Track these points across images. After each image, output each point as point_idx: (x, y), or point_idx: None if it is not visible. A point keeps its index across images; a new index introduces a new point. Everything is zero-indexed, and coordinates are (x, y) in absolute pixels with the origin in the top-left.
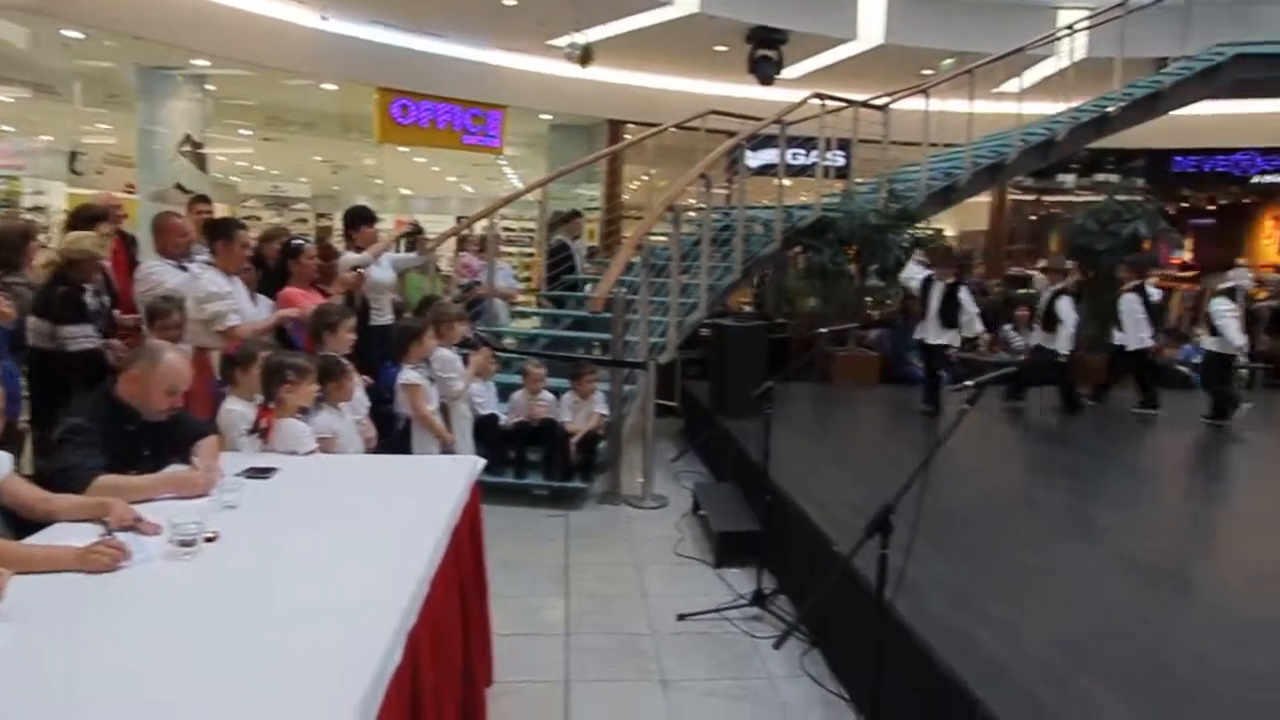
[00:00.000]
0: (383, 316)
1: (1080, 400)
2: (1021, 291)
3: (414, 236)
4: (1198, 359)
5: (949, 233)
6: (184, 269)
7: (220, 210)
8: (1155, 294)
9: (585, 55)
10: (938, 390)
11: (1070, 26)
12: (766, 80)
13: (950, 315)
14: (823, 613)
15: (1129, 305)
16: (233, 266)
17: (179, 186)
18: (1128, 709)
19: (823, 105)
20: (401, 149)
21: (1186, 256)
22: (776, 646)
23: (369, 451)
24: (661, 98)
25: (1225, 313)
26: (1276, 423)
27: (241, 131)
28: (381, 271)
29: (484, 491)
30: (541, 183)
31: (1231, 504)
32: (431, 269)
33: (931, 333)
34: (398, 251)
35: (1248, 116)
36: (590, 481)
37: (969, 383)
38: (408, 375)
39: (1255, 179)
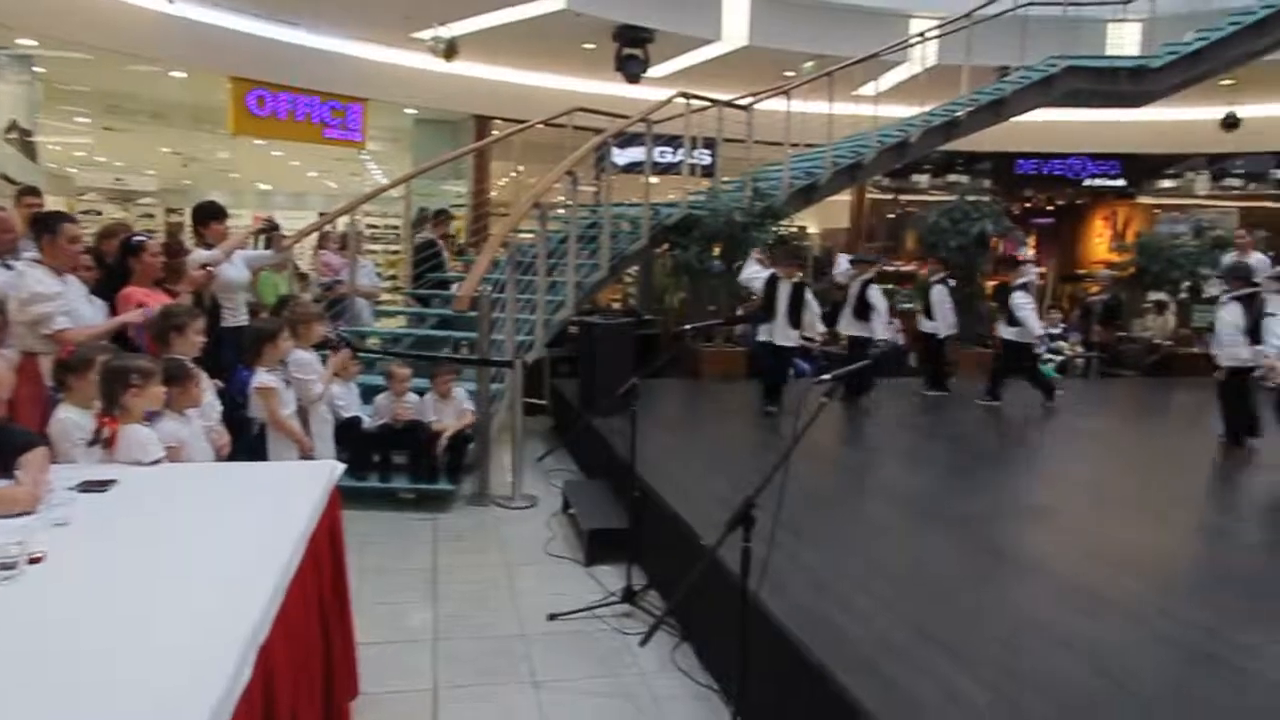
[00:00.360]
0: (236, 317)
1: (946, 382)
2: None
3: (269, 233)
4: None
5: (812, 230)
6: (8, 267)
7: (55, 203)
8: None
9: (450, 49)
10: (779, 390)
11: (922, 34)
12: (633, 79)
13: (797, 315)
14: (691, 607)
15: (939, 296)
16: (62, 264)
17: (4, 177)
18: (978, 686)
19: (688, 104)
20: (258, 142)
21: (1030, 253)
22: (642, 644)
23: (222, 459)
24: (529, 94)
25: (1024, 305)
26: (1110, 407)
27: (79, 119)
28: (234, 270)
29: (347, 497)
30: (406, 178)
31: (1071, 483)
32: (289, 267)
33: (779, 335)
34: (254, 249)
35: (1080, 124)
36: (458, 483)
37: (825, 376)
38: (261, 378)
39: (1087, 181)
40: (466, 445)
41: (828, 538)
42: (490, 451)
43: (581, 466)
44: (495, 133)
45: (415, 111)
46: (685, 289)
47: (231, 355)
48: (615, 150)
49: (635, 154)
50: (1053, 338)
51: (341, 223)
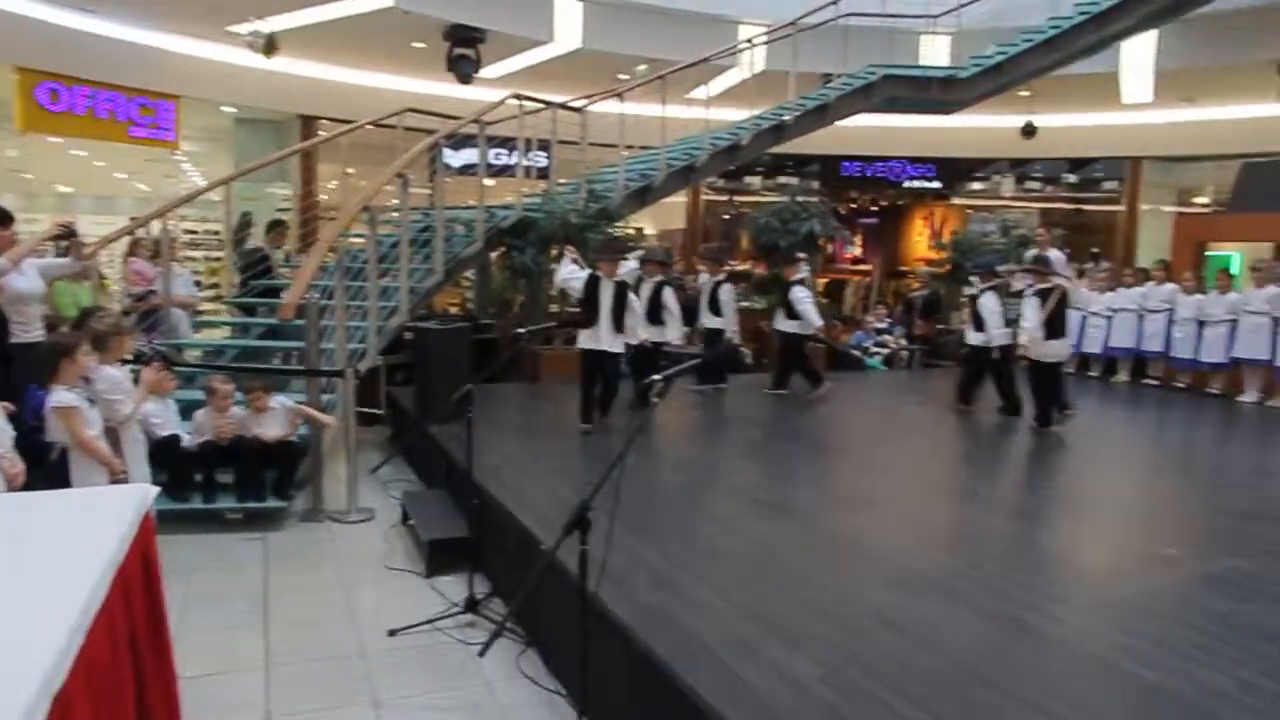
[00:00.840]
0: (28, 332)
1: (821, 375)
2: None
3: (67, 239)
4: (869, 343)
5: (649, 231)
6: None
7: None
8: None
9: (269, 45)
10: (607, 402)
11: (750, 41)
12: (465, 79)
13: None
14: (535, 612)
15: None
16: None
17: None
18: (814, 667)
19: (521, 106)
20: (54, 140)
21: (857, 251)
22: (481, 654)
23: (15, 489)
24: (357, 93)
25: (804, 299)
26: (933, 398)
27: None
28: (24, 280)
29: (168, 521)
30: (225, 180)
31: (898, 470)
32: (92, 277)
33: (606, 340)
34: (50, 256)
35: (899, 129)
36: (289, 499)
37: (657, 377)
38: (60, 397)
39: (907, 183)
40: (298, 459)
41: (670, 534)
42: (323, 464)
43: (421, 476)
44: (322, 133)
45: (235, 110)
46: (523, 292)
47: (23, 374)
48: (449, 152)
49: (470, 156)
50: (879, 332)
51: (154, 228)
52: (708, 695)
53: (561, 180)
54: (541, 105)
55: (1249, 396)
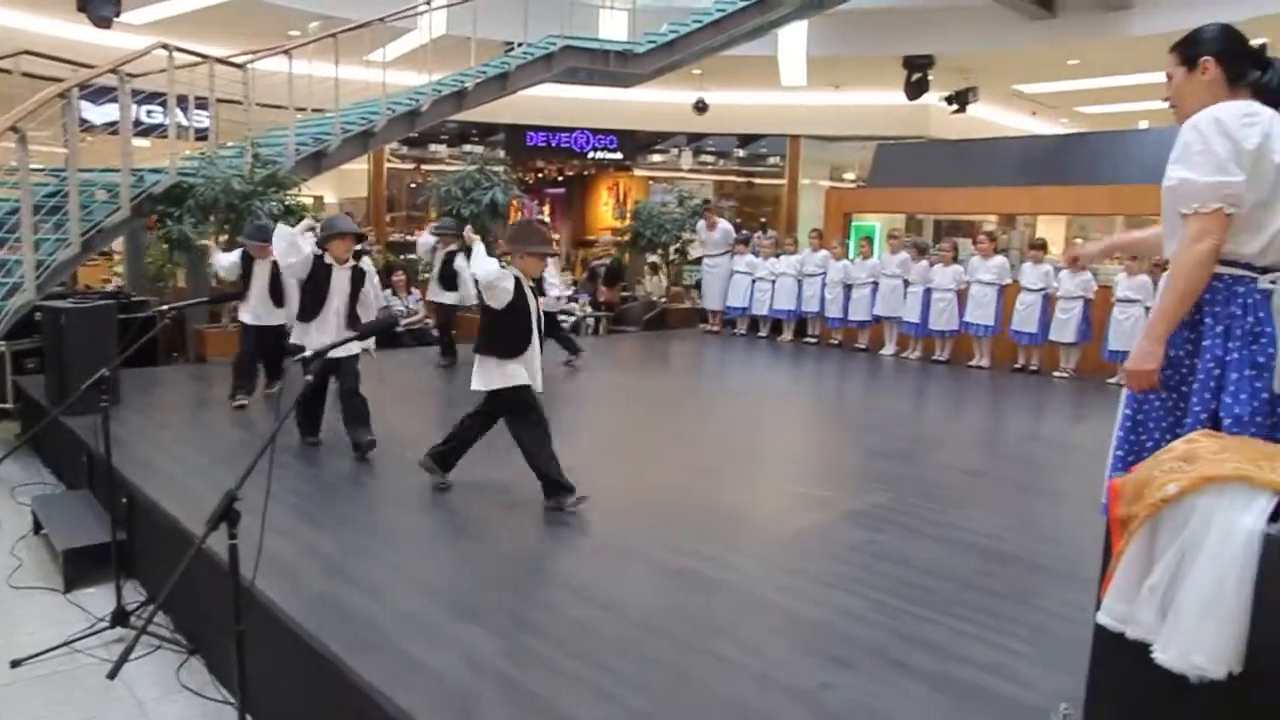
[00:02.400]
0: None
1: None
2: (405, 257)
3: None
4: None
5: (330, 199)
6: None
7: None
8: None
9: None
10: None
11: (429, 3)
12: (103, 22)
13: (450, 279)
14: (196, 617)
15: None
16: None
17: None
18: (496, 641)
19: (171, 57)
20: None
21: (545, 220)
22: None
23: None
24: None
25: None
26: (617, 363)
27: None
28: None
29: None
30: None
31: (592, 437)
32: None
33: (264, 314)
34: None
35: (582, 100)
36: None
37: (307, 353)
38: None
39: (592, 155)
40: None
41: (346, 518)
42: None
43: (62, 478)
44: None
45: None
46: (183, 265)
47: None
48: (91, 107)
49: (116, 111)
50: (566, 300)
51: None
52: (378, 683)
53: (227, 143)
54: (197, 58)
55: (888, 350)
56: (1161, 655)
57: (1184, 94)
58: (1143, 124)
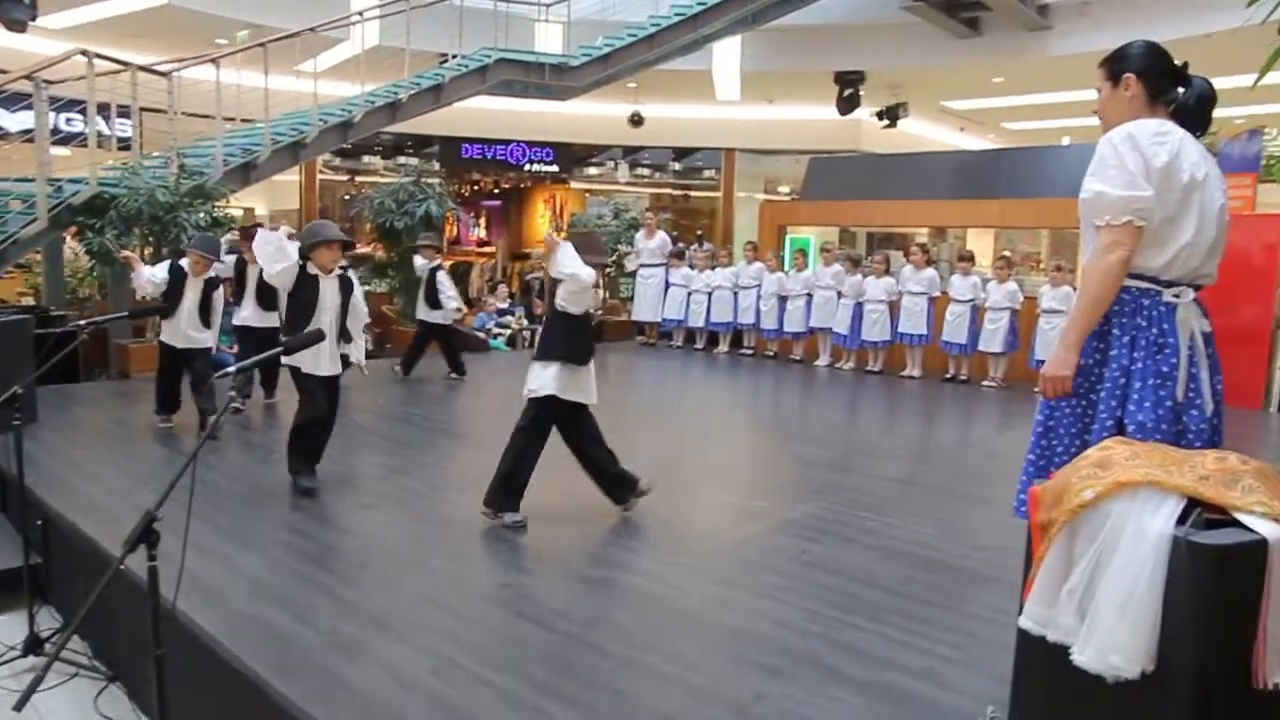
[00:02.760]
0: None
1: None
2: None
3: None
4: (491, 324)
5: (260, 211)
6: None
7: None
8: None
9: None
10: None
11: (361, 14)
12: (17, 26)
13: (434, 296)
14: (115, 642)
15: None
16: None
17: None
18: (423, 658)
19: (91, 63)
20: None
21: (482, 233)
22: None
23: None
24: None
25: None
26: None
27: None
28: None
29: None
30: None
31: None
32: None
33: (183, 334)
34: None
35: (518, 113)
36: None
37: (231, 369)
38: None
39: (528, 167)
40: None
41: (274, 538)
42: None
43: None
44: None
45: None
46: (106, 278)
47: None
48: (2, 112)
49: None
50: (501, 313)
51: None
52: (302, 703)
53: (155, 153)
54: (119, 65)
55: (822, 361)
56: (1080, 657)
57: (1108, 108)
58: (1065, 140)
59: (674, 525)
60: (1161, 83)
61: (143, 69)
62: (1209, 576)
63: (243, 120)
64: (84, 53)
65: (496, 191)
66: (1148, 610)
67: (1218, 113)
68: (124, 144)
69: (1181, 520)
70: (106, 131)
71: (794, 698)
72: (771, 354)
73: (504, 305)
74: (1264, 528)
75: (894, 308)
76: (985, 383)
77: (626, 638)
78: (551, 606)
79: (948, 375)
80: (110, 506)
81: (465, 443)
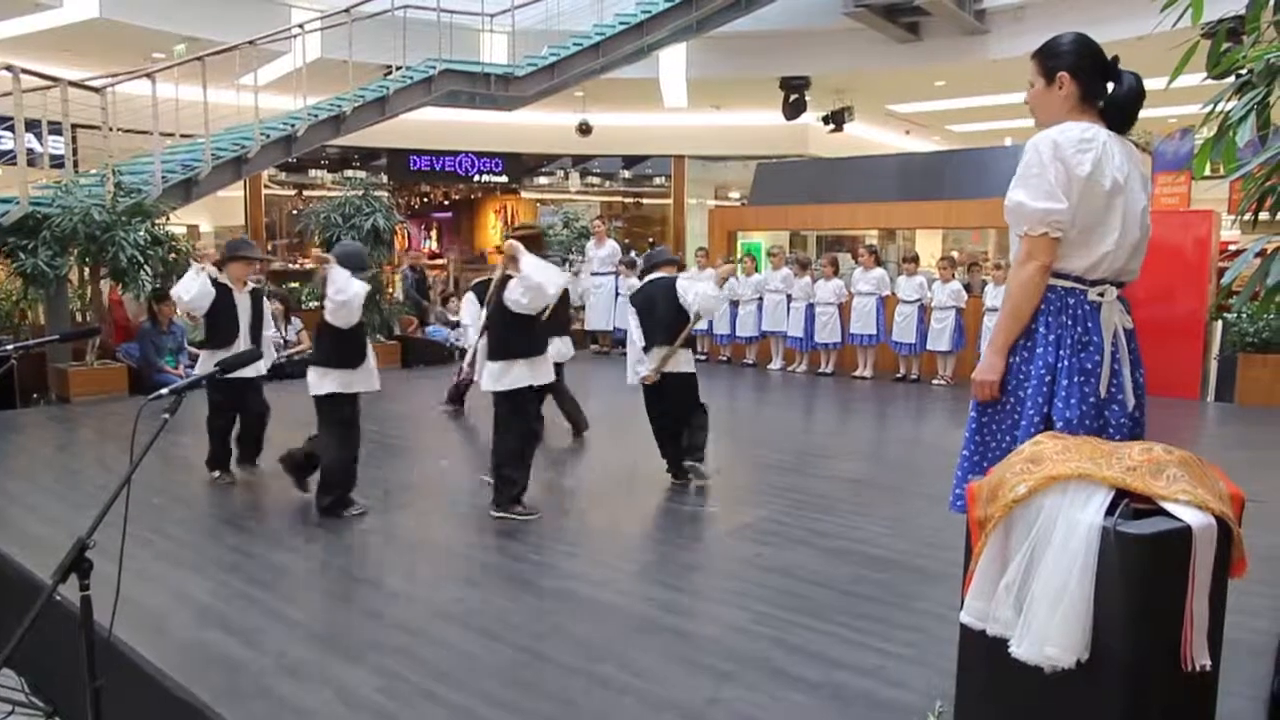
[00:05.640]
0: None
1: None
2: (291, 285)
3: None
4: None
5: (205, 228)
6: None
7: None
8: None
9: None
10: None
11: (301, 26)
12: None
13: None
14: (55, 677)
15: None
16: None
17: None
18: (374, 678)
19: (17, 79)
20: None
21: (433, 245)
22: None
23: None
24: None
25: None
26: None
27: None
28: None
29: None
30: None
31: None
32: None
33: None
34: None
35: (466, 124)
36: None
37: (164, 391)
38: None
39: (478, 178)
40: None
41: (222, 562)
42: None
43: None
44: None
45: None
46: (42, 301)
47: None
48: None
49: None
50: (454, 325)
51: None
52: None
53: (92, 171)
54: (48, 81)
55: (775, 365)
56: (1017, 649)
57: (1040, 105)
58: (1008, 141)
59: (625, 532)
60: (1095, 81)
61: (74, 84)
62: (1137, 564)
63: (182, 136)
64: (9, 68)
65: (447, 203)
66: (1080, 600)
67: (1151, 113)
68: (57, 162)
69: (1110, 511)
70: (38, 149)
71: (746, 700)
72: (725, 359)
73: (454, 318)
74: (1188, 515)
75: (844, 309)
76: (935, 381)
77: (579, 648)
78: (504, 619)
79: (898, 375)
80: (46, 536)
81: (413, 457)
